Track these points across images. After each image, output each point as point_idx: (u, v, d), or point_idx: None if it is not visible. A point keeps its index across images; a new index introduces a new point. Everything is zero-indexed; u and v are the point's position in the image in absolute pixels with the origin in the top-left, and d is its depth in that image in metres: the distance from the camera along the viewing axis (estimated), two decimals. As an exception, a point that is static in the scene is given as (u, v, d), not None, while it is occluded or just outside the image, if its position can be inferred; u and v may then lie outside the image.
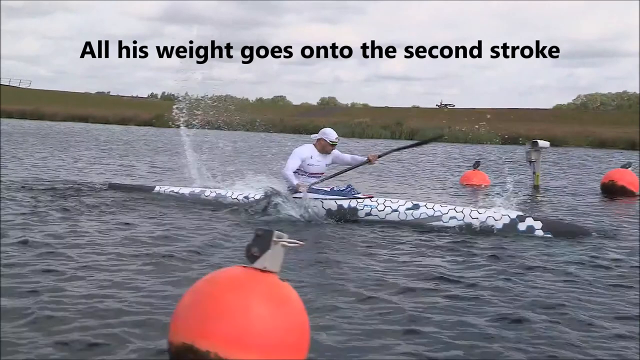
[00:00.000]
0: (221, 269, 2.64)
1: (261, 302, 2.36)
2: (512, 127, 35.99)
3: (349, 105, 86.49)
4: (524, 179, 11.89)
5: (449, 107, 64.35)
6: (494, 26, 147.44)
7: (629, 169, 10.95)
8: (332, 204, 6.59)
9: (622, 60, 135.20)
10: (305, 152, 6.74)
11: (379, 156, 6.98)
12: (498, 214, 6.27)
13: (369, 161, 6.89)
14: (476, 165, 12.42)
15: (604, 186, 10.75)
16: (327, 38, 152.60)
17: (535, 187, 11.47)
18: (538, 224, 6.14)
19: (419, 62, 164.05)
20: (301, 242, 2.53)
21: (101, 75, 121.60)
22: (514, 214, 6.28)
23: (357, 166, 7.06)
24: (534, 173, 11.70)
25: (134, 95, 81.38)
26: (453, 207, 6.47)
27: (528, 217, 6.27)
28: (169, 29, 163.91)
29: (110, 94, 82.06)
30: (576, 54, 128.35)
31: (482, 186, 11.65)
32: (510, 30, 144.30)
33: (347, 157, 7.11)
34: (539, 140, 11.70)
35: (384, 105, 70.36)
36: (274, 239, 2.41)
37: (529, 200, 10.07)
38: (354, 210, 6.54)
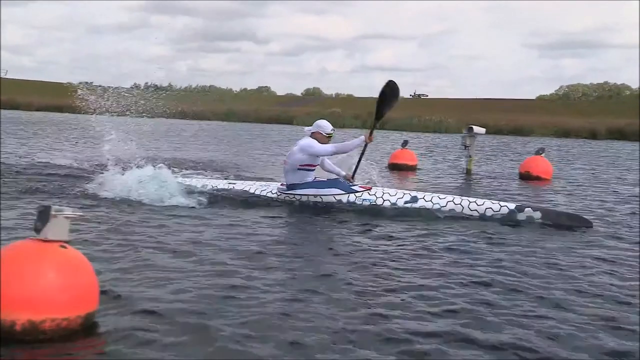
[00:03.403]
0: (13, 243, 2.90)
1: (36, 267, 2.63)
2: (483, 117, 36.55)
3: (334, 95, 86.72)
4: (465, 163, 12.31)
5: (422, 97, 65.13)
6: (483, 17, 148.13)
7: (542, 155, 11.45)
8: (331, 199, 6.38)
9: (607, 52, 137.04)
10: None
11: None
12: (496, 205, 6.16)
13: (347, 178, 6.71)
14: (404, 144, 12.76)
15: (521, 175, 11.35)
16: (314, 29, 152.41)
17: (468, 171, 11.88)
18: (537, 214, 6.02)
19: (407, 53, 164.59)
20: (81, 213, 2.84)
21: (87, 66, 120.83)
22: (512, 205, 6.19)
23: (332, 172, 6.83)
24: (468, 157, 12.12)
25: (116, 86, 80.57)
26: (452, 199, 6.31)
27: (527, 207, 6.16)
28: (155, 18, 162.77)
29: (94, 84, 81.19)
30: (562, 45, 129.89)
31: (409, 164, 12.19)
32: (499, 22, 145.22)
33: (329, 164, 6.88)
34: (474, 126, 12.08)
35: (369, 96, 70.51)
36: (53, 212, 2.70)
37: (459, 182, 10.58)
38: (354, 205, 6.32)
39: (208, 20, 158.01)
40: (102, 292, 3.14)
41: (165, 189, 6.39)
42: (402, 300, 3.41)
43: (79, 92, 6.95)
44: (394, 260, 4.32)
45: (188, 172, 8.52)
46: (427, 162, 14.18)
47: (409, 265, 4.21)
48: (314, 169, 6.56)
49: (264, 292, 3.44)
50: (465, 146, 12.12)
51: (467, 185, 10.27)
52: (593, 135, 32.10)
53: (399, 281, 3.79)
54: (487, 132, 12.78)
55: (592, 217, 6.47)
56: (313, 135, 6.57)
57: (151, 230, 4.98)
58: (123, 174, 6.74)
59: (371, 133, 6.50)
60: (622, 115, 39.10)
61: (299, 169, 6.45)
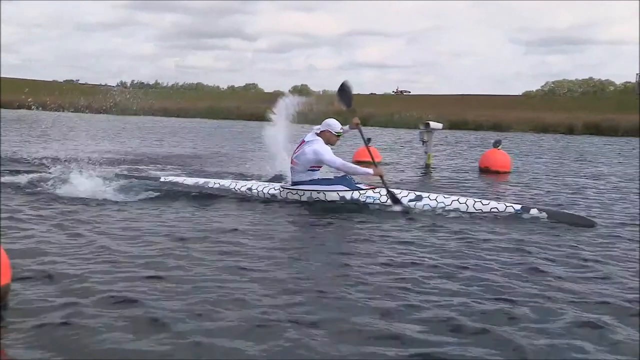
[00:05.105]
0: None
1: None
2: (465, 113, 36.72)
3: (322, 92, 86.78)
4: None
5: (404, 93, 65.52)
6: (470, 14, 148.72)
7: (499, 147, 11.52)
8: (334, 195, 6.37)
9: (593, 48, 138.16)
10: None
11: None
12: (502, 205, 6.11)
13: None
14: (368, 141, 12.73)
15: (481, 169, 11.41)
16: (303, 26, 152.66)
17: (427, 166, 11.90)
18: (543, 215, 5.94)
19: (395, 50, 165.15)
20: None
21: (74, 64, 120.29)
22: (517, 206, 6.14)
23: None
24: (425, 152, 12.15)
25: (103, 83, 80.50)
26: (457, 198, 6.30)
27: (533, 208, 6.09)
28: (142, 16, 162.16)
29: (80, 82, 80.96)
30: (548, 41, 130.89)
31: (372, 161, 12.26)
32: (486, 18, 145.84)
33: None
34: (430, 122, 12.11)
35: (356, 93, 70.72)
36: None
37: (417, 176, 10.57)
38: (357, 202, 6.31)
39: (196, 17, 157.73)
40: (32, 277, 3.38)
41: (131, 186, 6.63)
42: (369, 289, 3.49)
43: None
44: (375, 253, 4.40)
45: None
46: (393, 158, 14.19)
47: (404, 262, 4.17)
48: (316, 169, 6.59)
49: (201, 279, 3.55)
50: (423, 142, 12.17)
51: (425, 179, 10.28)
52: (570, 130, 32.37)
53: (381, 272, 3.85)
54: (468, 128, 12.84)
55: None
56: (322, 133, 6.55)
57: (108, 223, 5.09)
58: (89, 174, 6.93)
59: (378, 174, 6.48)
60: (607, 110, 39.31)
61: (309, 170, 6.50)
